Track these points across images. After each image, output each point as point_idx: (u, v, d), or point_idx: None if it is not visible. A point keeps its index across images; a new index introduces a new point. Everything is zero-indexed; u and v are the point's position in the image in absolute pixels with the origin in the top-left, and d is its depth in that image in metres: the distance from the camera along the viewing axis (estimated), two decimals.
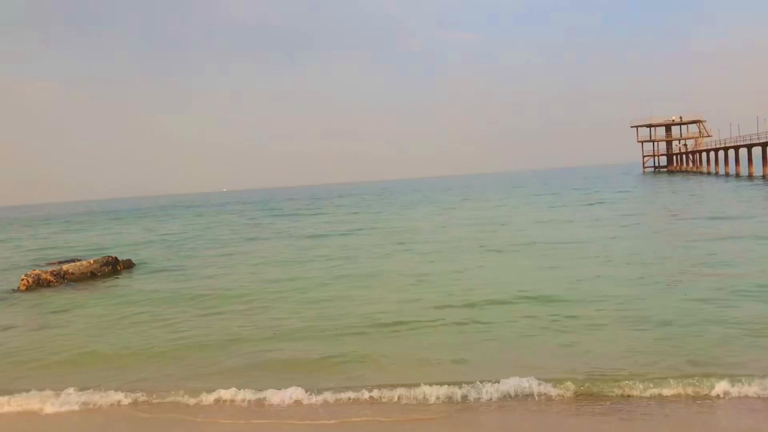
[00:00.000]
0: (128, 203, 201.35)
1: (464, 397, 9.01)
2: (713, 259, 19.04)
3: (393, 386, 9.50)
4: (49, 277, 22.99)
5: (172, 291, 20.04)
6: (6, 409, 9.93)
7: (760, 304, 12.90)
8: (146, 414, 9.46)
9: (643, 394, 8.55)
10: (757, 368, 9.14)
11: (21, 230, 70.62)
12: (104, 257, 26.61)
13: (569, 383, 8.94)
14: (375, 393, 9.39)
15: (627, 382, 8.90)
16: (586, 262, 20.24)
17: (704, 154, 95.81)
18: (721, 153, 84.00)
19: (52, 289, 22.06)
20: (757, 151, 69.28)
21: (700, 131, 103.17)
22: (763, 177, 64.46)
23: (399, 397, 9.23)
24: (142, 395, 10.02)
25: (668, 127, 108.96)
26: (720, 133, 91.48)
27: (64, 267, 24.59)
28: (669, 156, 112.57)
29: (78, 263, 25.59)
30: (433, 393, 9.16)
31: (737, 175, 73.25)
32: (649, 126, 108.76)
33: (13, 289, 22.40)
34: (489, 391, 9.04)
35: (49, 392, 10.28)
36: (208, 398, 9.75)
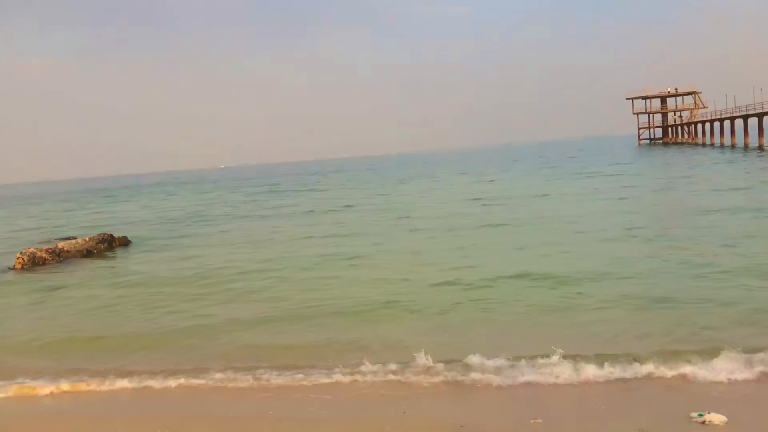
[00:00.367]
0: (122, 181, 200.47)
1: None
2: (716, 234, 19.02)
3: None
4: (44, 255, 22.90)
5: (164, 271, 19.72)
6: None
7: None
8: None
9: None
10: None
11: (17, 208, 70.36)
12: (99, 235, 26.52)
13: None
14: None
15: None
16: (584, 237, 20.26)
17: (699, 126, 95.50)
18: (716, 124, 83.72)
19: (47, 268, 21.99)
20: (753, 122, 69.04)
21: (695, 103, 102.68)
22: (759, 147, 64.33)
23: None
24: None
25: (663, 99, 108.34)
26: (716, 104, 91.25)
27: (60, 245, 24.51)
28: (664, 128, 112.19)
29: (73, 241, 25.51)
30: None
31: (732, 146, 73.07)
32: (645, 98, 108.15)
33: (8, 267, 22.33)
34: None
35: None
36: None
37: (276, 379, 9.45)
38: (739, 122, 73.63)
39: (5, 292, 18.50)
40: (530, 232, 21.88)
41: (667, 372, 8.39)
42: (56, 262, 22.85)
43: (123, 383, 9.79)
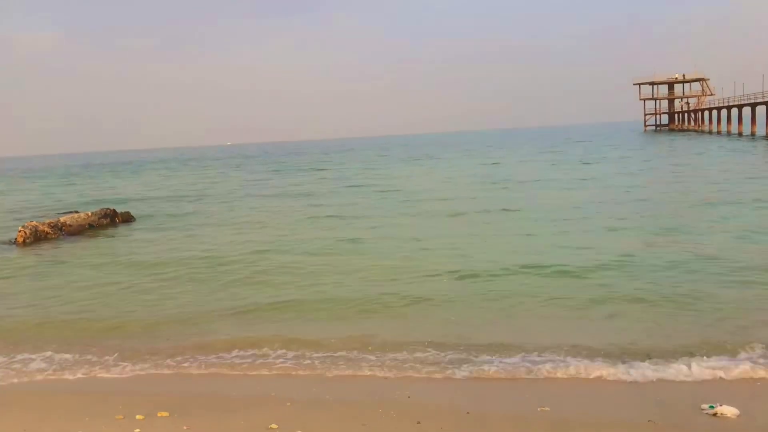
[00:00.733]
0: (129, 156, 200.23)
1: None
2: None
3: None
4: (46, 229, 22.80)
5: (166, 250, 19.36)
6: None
7: None
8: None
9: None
10: None
11: (19, 182, 70.31)
12: (102, 209, 26.43)
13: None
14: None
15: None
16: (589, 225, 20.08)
17: (706, 113, 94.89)
18: (723, 112, 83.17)
19: (49, 243, 21.90)
20: (761, 110, 68.55)
21: (703, 89, 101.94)
22: (766, 136, 63.90)
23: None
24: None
25: (671, 85, 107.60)
26: (723, 91, 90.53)
27: (62, 219, 24.41)
28: (671, 114, 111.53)
29: (76, 215, 25.40)
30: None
31: (740, 135, 72.65)
32: (652, 84, 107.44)
33: (10, 240, 22.25)
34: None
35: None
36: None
37: (278, 362, 9.35)
38: (746, 110, 73.15)
39: (7, 266, 18.38)
40: (536, 219, 21.57)
41: (679, 365, 8.27)
42: (58, 236, 22.77)
43: (122, 362, 9.70)
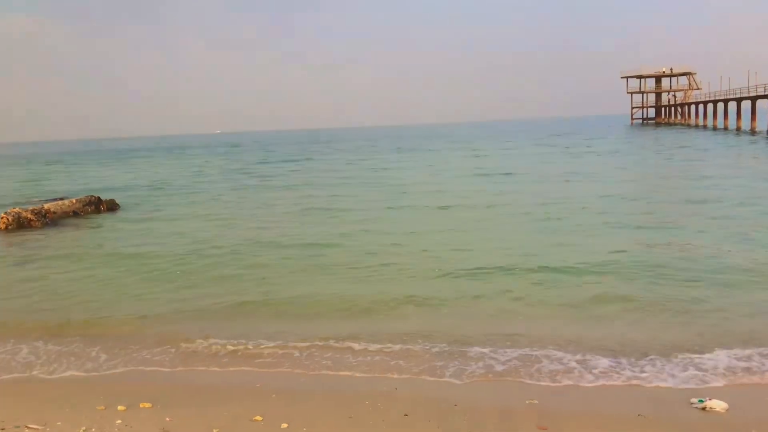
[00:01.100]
0: (116, 144, 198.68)
1: None
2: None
3: None
4: (29, 215, 22.49)
5: (150, 240, 19.00)
6: None
7: None
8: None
9: None
10: None
11: (8, 168, 69.56)
12: (87, 197, 26.14)
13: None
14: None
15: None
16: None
17: (693, 107, 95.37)
18: (710, 106, 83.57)
19: (32, 230, 21.61)
20: (746, 105, 68.99)
21: (689, 83, 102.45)
22: (751, 131, 64.32)
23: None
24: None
25: (658, 79, 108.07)
26: (710, 86, 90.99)
27: (46, 206, 24.09)
28: (658, 108, 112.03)
29: (60, 202, 25.11)
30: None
31: (725, 129, 73.06)
32: (639, 77, 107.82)
33: None
34: None
35: None
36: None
37: (263, 354, 9.22)
38: (732, 105, 73.57)
39: None
40: (525, 216, 21.10)
41: (669, 360, 8.24)
42: (42, 224, 22.47)
43: (104, 354, 9.53)
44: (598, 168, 35.62)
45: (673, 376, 7.79)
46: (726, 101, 75.48)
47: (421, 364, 8.56)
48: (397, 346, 9.22)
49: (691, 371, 7.87)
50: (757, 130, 64.60)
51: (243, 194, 31.40)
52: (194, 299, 12.28)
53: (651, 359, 8.28)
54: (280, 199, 28.30)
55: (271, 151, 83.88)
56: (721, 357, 8.18)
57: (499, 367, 8.35)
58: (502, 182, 30.85)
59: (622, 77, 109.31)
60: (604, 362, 8.28)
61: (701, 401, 6.84)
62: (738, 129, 69.21)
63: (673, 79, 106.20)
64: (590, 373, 8.02)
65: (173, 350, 9.51)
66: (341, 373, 8.47)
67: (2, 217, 22.01)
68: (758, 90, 64.74)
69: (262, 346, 9.46)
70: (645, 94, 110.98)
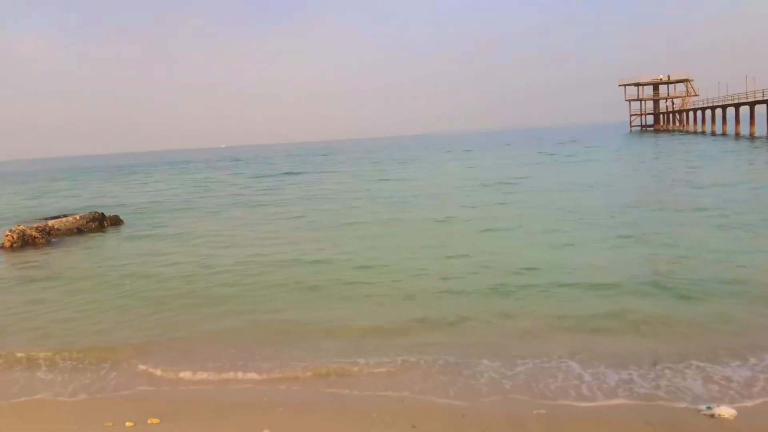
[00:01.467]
0: (121, 160, 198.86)
1: None
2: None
3: None
4: (34, 233, 22.55)
5: (152, 257, 18.70)
6: None
7: None
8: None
9: None
10: None
11: (7, 186, 69.69)
12: (90, 213, 26.20)
13: None
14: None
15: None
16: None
17: (691, 114, 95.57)
18: (708, 112, 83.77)
19: (36, 247, 21.65)
20: (744, 111, 69.14)
21: (687, 90, 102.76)
22: (750, 136, 64.43)
23: None
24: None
25: (656, 86, 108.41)
26: (708, 92, 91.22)
27: (50, 223, 24.17)
28: (656, 115, 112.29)
29: (64, 219, 25.18)
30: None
31: (723, 135, 73.16)
32: (637, 85, 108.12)
33: None
34: None
35: None
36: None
37: (271, 368, 9.20)
38: (730, 110, 73.71)
39: None
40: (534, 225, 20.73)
41: (677, 368, 8.24)
42: (46, 241, 22.52)
43: (113, 371, 9.56)
44: (601, 177, 35.31)
45: (680, 383, 7.80)
46: (724, 107, 75.63)
47: (428, 377, 8.55)
48: (404, 357, 9.21)
49: (699, 378, 7.87)
50: (756, 135, 64.72)
51: (244, 210, 30.86)
52: (196, 315, 12.20)
53: (660, 369, 8.25)
54: (279, 215, 28.21)
55: (272, 164, 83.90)
56: (731, 365, 8.17)
57: (507, 380, 8.32)
58: (506, 193, 30.63)
59: (619, 85, 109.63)
60: (611, 372, 8.28)
61: (709, 408, 6.86)
62: (737, 134, 69.31)
63: (671, 86, 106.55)
64: (598, 382, 8.02)
65: (177, 366, 9.50)
66: (347, 384, 8.46)
67: (7, 235, 22.06)
68: (756, 95, 64.93)
69: (265, 363, 9.39)
70: (643, 102, 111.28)
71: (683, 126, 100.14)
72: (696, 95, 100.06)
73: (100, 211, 26.97)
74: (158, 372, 9.38)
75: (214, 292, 13.99)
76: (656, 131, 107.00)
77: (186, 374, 9.21)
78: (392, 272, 14.62)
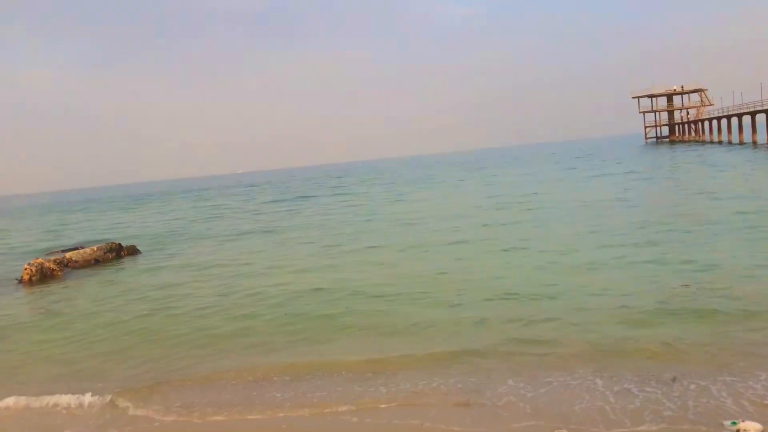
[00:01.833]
0: (136, 189, 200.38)
1: None
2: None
3: None
4: (52, 265, 22.74)
5: (169, 288, 18.42)
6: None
7: None
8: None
9: None
10: None
11: (24, 219, 70.44)
12: (107, 244, 26.39)
13: None
14: None
15: None
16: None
17: (706, 123, 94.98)
18: (723, 121, 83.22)
19: (55, 280, 21.81)
20: (761, 119, 68.61)
21: (701, 100, 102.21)
22: None
23: None
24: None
25: (669, 97, 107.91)
26: (722, 101, 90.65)
27: (67, 255, 24.37)
28: (671, 126, 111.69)
29: (81, 251, 25.37)
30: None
31: (741, 143, 72.57)
32: (651, 96, 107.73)
33: (16, 279, 22.18)
34: None
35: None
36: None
37: (285, 399, 9.08)
38: (746, 119, 73.18)
39: (11, 307, 18.20)
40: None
41: (699, 381, 8.10)
42: (64, 273, 22.70)
43: (128, 402, 9.56)
44: (626, 192, 34.12)
45: (703, 397, 7.65)
46: (740, 115, 75.10)
47: (448, 398, 8.46)
48: (423, 380, 9.13)
49: (722, 393, 7.72)
50: None
51: (260, 237, 30.41)
52: (208, 356, 11.73)
53: (684, 383, 8.13)
54: (294, 240, 28.17)
55: (287, 189, 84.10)
56: (754, 380, 8.01)
57: (526, 398, 8.24)
58: (526, 210, 30.31)
59: (633, 97, 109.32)
60: (633, 386, 8.16)
61: (734, 423, 6.72)
62: (754, 143, 68.77)
63: (685, 96, 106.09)
64: (618, 396, 7.90)
65: (191, 404, 9.36)
66: (364, 410, 8.36)
67: (26, 269, 22.25)
68: None
69: (281, 395, 9.28)
70: (657, 113, 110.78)
71: (699, 136, 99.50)
72: (711, 105, 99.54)
73: (116, 241, 27.15)
74: (165, 412, 9.12)
75: (221, 329, 13.35)
76: (672, 142, 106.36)
77: (197, 411, 8.99)
78: (408, 298, 14.35)
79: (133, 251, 26.70)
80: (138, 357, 11.96)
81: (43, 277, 22.11)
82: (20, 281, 21.87)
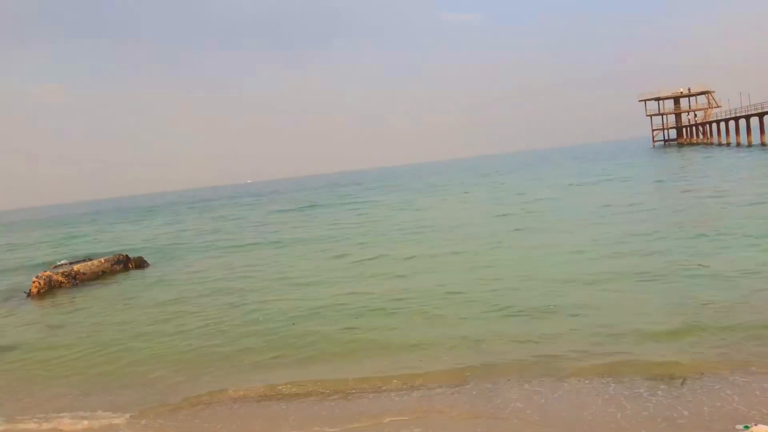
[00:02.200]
0: (144, 201, 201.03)
1: None
2: None
3: None
4: (60, 278, 22.79)
5: (175, 302, 18.14)
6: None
7: None
8: None
9: None
10: None
11: (31, 232, 70.71)
12: (115, 256, 26.43)
13: None
14: None
15: None
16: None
17: (714, 125, 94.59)
18: (731, 123, 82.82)
19: (63, 292, 21.84)
20: None
21: (709, 102, 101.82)
22: None
23: None
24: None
25: (677, 100, 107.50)
26: (730, 103, 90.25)
27: (75, 267, 24.40)
28: (678, 128, 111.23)
29: (89, 263, 25.40)
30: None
31: (749, 145, 72.21)
32: (657, 99, 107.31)
33: (24, 292, 22.22)
34: None
35: None
36: None
37: (294, 412, 8.98)
38: (754, 120, 72.78)
39: (18, 320, 18.20)
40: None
41: (713, 384, 7.99)
42: (72, 285, 22.74)
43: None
44: (640, 197, 32.92)
45: (714, 401, 7.55)
46: (748, 117, 74.74)
47: (458, 406, 8.38)
48: (434, 389, 9.06)
49: (733, 396, 7.62)
50: None
51: (268, 248, 29.86)
52: (206, 368, 11.64)
53: (693, 384, 8.04)
54: (302, 251, 28.10)
55: (293, 198, 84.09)
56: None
57: (536, 405, 8.15)
58: (536, 218, 30.10)
59: (639, 100, 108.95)
60: (643, 389, 8.08)
61: (747, 427, 6.61)
62: (762, 144, 68.42)
63: (692, 98, 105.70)
64: (628, 400, 7.80)
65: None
66: (372, 425, 8.25)
67: (34, 282, 22.31)
68: None
69: (288, 410, 9.25)
70: (665, 116, 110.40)
71: (707, 138, 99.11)
72: (718, 106, 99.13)
73: (124, 253, 27.18)
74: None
75: (230, 346, 12.90)
76: (680, 145, 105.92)
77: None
78: (422, 313, 13.75)
79: (140, 263, 26.69)
80: (144, 375, 11.59)
81: (51, 289, 22.16)
82: (29, 294, 21.92)
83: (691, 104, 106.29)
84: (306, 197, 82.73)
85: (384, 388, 9.44)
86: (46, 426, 9.38)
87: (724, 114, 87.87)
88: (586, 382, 8.68)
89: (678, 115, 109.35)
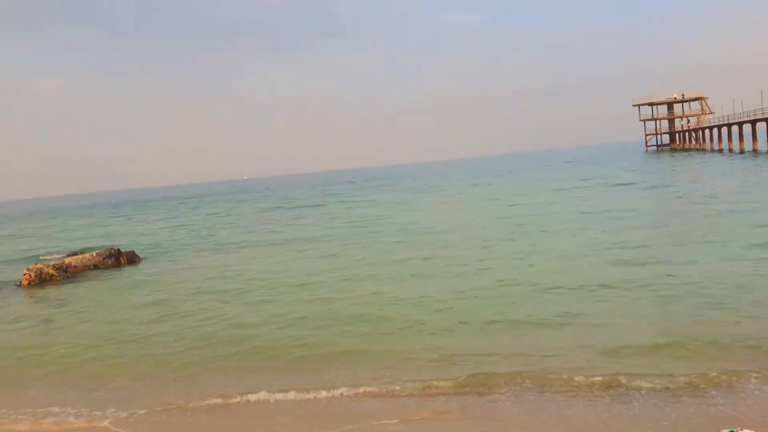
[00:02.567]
0: (138, 195, 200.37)
1: None
2: None
3: None
4: (51, 271, 22.75)
5: (166, 295, 18.29)
6: None
7: None
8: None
9: None
10: None
11: (26, 224, 70.45)
12: (106, 250, 26.39)
13: None
14: None
15: None
16: None
17: (707, 131, 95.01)
18: (724, 129, 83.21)
19: (53, 285, 21.80)
20: (761, 127, 68.67)
21: (702, 108, 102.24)
22: None
23: None
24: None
25: (670, 105, 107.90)
26: (723, 109, 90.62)
27: (67, 260, 24.36)
28: (671, 134, 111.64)
29: (80, 256, 25.37)
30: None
31: (741, 152, 72.59)
32: (651, 104, 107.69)
33: (15, 284, 22.19)
34: None
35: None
36: None
37: (292, 416, 8.97)
38: (746, 127, 73.21)
39: (5, 312, 18.16)
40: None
41: (699, 389, 8.07)
42: (63, 278, 22.70)
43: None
44: (634, 203, 32.53)
45: (700, 405, 7.63)
46: (740, 123, 75.14)
47: (457, 414, 8.43)
48: (434, 396, 9.05)
49: (720, 401, 7.70)
50: None
51: (262, 247, 29.34)
52: (195, 359, 11.71)
53: (681, 388, 8.13)
54: (297, 251, 28.07)
55: (286, 196, 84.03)
56: (751, 389, 7.98)
57: (532, 407, 8.20)
58: (529, 224, 30.28)
59: (633, 105, 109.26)
60: (635, 396, 8.16)
61: (732, 431, 6.69)
62: (755, 150, 68.81)
63: (685, 104, 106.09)
64: (623, 403, 7.88)
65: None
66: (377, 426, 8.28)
67: (25, 274, 22.30)
68: None
69: (284, 415, 9.26)
70: (658, 121, 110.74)
71: (699, 144, 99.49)
72: (711, 113, 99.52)
73: (116, 247, 27.13)
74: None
75: (222, 349, 12.56)
76: (673, 150, 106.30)
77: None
78: (418, 322, 13.30)
79: (132, 257, 26.61)
80: (127, 375, 11.44)
81: (42, 282, 22.11)
82: (19, 286, 21.89)
83: (684, 110, 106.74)
84: (299, 195, 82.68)
85: (367, 393, 9.39)
86: (27, 425, 9.30)
87: (717, 120, 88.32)
88: (575, 392, 8.70)
89: (671, 121, 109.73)
